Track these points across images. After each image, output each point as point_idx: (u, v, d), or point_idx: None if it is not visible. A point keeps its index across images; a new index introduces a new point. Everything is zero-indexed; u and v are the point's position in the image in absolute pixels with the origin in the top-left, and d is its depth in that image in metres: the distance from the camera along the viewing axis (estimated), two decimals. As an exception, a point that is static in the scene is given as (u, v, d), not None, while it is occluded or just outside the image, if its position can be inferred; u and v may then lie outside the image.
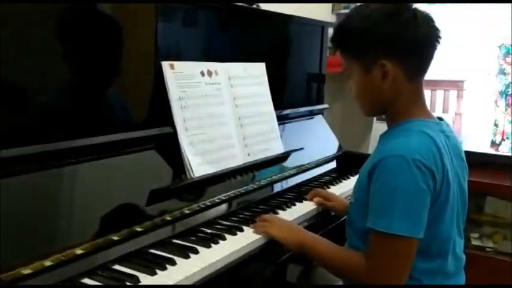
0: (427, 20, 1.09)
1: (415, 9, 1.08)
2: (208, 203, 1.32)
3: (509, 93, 2.54)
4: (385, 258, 1.04)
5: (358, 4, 1.19)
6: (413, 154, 1.01)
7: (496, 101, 2.55)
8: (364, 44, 1.09)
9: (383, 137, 1.16)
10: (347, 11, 2.85)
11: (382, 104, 1.14)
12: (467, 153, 1.22)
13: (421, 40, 1.08)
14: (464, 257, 1.20)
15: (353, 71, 1.13)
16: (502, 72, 2.52)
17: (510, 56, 2.50)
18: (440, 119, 1.18)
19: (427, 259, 1.08)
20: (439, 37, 1.10)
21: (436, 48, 1.11)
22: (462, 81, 2.65)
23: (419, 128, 1.08)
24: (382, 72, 1.08)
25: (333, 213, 1.53)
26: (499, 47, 2.52)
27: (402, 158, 1.01)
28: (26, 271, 0.90)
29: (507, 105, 2.54)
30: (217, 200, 1.35)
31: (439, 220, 1.07)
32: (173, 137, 1.30)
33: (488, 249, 2.40)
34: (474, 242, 2.43)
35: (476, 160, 2.43)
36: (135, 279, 0.97)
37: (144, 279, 0.98)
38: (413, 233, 1.01)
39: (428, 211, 1.03)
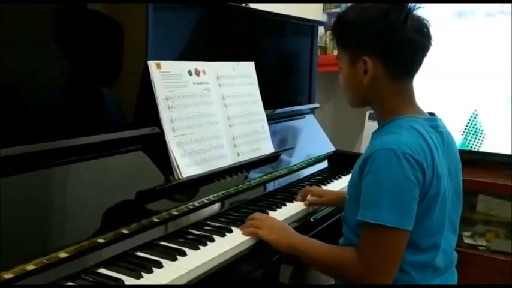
0: (419, 25, 1.09)
1: (409, 12, 1.08)
2: (197, 204, 1.30)
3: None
4: (374, 250, 1.04)
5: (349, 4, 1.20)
6: (403, 148, 1.02)
7: None
8: (352, 37, 1.13)
9: (374, 134, 1.18)
10: (338, 10, 2.85)
11: (362, 97, 1.18)
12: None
13: (405, 42, 1.08)
14: (455, 254, 1.20)
15: (341, 61, 1.17)
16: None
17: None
18: (432, 114, 1.18)
19: (416, 252, 1.08)
20: (426, 44, 1.11)
21: (424, 56, 1.12)
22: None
23: (409, 124, 1.09)
24: (364, 68, 1.11)
25: (322, 214, 1.51)
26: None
27: (392, 151, 1.02)
28: (8, 275, 0.87)
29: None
30: (206, 201, 1.34)
31: (429, 214, 1.07)
32: (162, 137, 1.28)
33: (481, 248, 2.40)
34: (467, 241, 2.43)
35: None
36: (120, 282, 0.95)
37: (130, 282, 0.96)
38: (402, 225, 1.01)
39: (418, 204, 1.04)
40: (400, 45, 1.08)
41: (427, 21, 1.11)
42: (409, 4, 1.10)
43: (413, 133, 1.07)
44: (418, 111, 1.15)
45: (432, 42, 1.12)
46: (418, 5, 1.10)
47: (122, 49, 1.26)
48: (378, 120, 1.19)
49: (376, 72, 1.10)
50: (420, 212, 1.04)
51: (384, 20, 1.07)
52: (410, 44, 1.08)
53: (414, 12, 1.09)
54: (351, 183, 1.15)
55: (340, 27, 1.17)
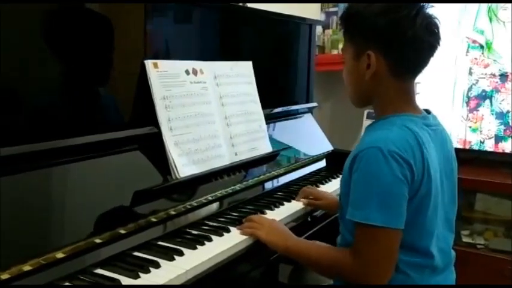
0: (429, 24, 1.07)
1: (420, 10, 1.06)
2: (195, 204, 1.30)
3: (472, 95, 2.52)
4: (368, 250, 1.03)
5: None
6: (389, 146, 1.01)
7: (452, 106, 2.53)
8: (358, 29, 1.11)
9: (367, 129, 1.17)
10: (336, 9, 2.85)
11: (364, 94, 1.16)
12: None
13: (411, 42, 1.06)
14: (453, 253, 1.19)
15: (346, 53, 1.15)
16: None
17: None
18: (428, 112, 1.17)
19: (411, 253, 1.07)
20: (434, 44, 1.09)
21: (430, 55, 1.10)
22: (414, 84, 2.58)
23: (402, 122, 1.08)
24: (367, 62, 1.09)
25: (318, 215, 1.51)
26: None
27: (378, 149, 1.01)
28: (4, 276, 0.87)
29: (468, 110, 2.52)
30: (204, 201, 1.33)
31: (422, 214, 1.06)
32: (159, 136, 1.28)
33: (479, 247, 2.40)
34: (465, 239, 2.43)
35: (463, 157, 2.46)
36: (118, 282, 0.95)
37: (127, 282, 0.96)
38: (392, 224, 1.01)
39: (409, 203, 1.03)
40: (406, 43, 1.06)
41: (438, 20, 1.08)
42: (422, 3, 1.07)
43: (404, 131, 1.05)
44: (416, 110, 1.14)
45: (441, 42, 1.09)
46: (430, 4, 1.08)
47: (119, 49, 1.26)
48: (375, 115, 1.18)
49: (379, 68, 1.08)
50: (412, 211, 1.04)
51: (393, 15, 1.05)
52: (417, 43, 1.06)
53: (426, 11, 1.07)
54: (343, 181, 1.15)
55: (347, 18, 1.15)
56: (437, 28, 1.08)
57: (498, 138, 2.47)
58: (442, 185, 1.11)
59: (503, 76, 2.43)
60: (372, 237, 1.02)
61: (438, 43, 1.09)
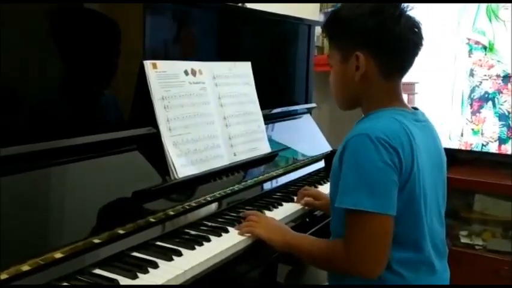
0: (412, 24, 1.11)
1: (403, 11, 1.10)
2: (193, 204, 1.30)
3: (475, 97, 2.51)
4: (359, 238, 1.03)
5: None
6: (377, 133, 1.02)
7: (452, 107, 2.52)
8: (345, 32, 1.13)
9: (356, 123, 1.17)
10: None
11: (353, 97, 1.17)
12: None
13: (398, 40, 1.09)
14: (447, 249, 1.20)
15: (333, 59, 1.17)
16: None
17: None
18: (415, 109, 1.19)
19: (404, 248, 1.07)
20: (418, 43, 1.12)
21: (415, 54, 1.13)
22: (413, 84, 2.57)
23: (390, 115, 1.10)
24: (356, 64, 1.11)
25: (317, 215, 1.51)
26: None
27: (366, 136, 1.02)
28: (3, 276, 0.87)
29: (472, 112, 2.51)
30: (203, 201, 1.33)
31: (412, 206, 1.06)
32: (158, 137, 1.28)
33: (477, 247, 2.40)
34: (463, 240, 2.43)
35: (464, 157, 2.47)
36: (116, 283, 0.95)
37: (125, 283, 0.96)
38: (382, 209, 1.00)
39: (399, 196, 1.03)
40: (394, 41, 1.09)
41: (418, 21, 1.12)
42: (403, 4, 1.11)
43: (392, 121, 1.07)
44: (405, 106, 1.16)
45: (423, 42, 1.13)
46: (411, 5, 1.11)
47: (118, 49, 1.26)
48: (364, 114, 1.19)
49: (368, 68, 1.10)
50: (402, 203, 1.03)
51: (378, 16, 1.08)
52: (403, 41, 1.09)
53: (408, 12, 1.11)
54: (333, 174, 1.15)
55: (333, 24, 1.17)
56: (419, 28, 1.12)
57: (501, 140, 2.45)
58: (434, 179, 1.12)
59: (506, 77, 2.42)
60: (362, 223, 1.02)
61: (421, 42, 1.13)
